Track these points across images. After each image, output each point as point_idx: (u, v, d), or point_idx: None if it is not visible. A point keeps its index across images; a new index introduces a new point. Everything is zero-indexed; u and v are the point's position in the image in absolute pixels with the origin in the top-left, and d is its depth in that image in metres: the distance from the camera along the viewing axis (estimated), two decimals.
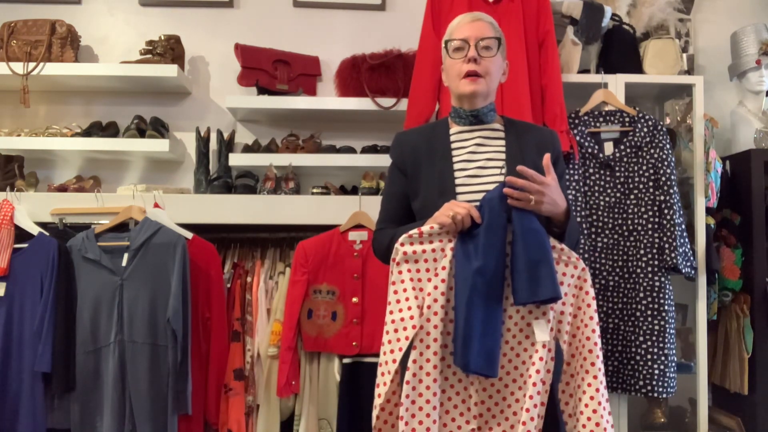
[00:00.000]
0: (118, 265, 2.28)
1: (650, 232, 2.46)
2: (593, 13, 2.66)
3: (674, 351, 2.42)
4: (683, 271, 2.43)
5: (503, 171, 1.72)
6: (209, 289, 2.36)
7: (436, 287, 1.59)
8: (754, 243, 2.66)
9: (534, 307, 1.60)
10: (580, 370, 1.63)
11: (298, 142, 2.78)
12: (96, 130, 2.73)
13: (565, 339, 1.63)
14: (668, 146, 2.50)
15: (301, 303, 2.35)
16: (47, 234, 2.36)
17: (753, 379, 2.61)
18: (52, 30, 2.69)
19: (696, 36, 3.08)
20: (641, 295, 2.44)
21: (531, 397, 1.54)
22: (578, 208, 2.49)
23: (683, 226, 2.46)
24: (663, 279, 2.43)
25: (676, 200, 2.45)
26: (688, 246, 2.46)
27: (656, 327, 2.40)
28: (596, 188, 2.52)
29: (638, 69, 2.72)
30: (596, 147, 2.54)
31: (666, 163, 2.47)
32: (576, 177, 2.52)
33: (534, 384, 1.55)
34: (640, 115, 2.55)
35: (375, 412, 1.64)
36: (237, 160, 2.70)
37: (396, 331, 1.60)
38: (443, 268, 1.60)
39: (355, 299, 2.36)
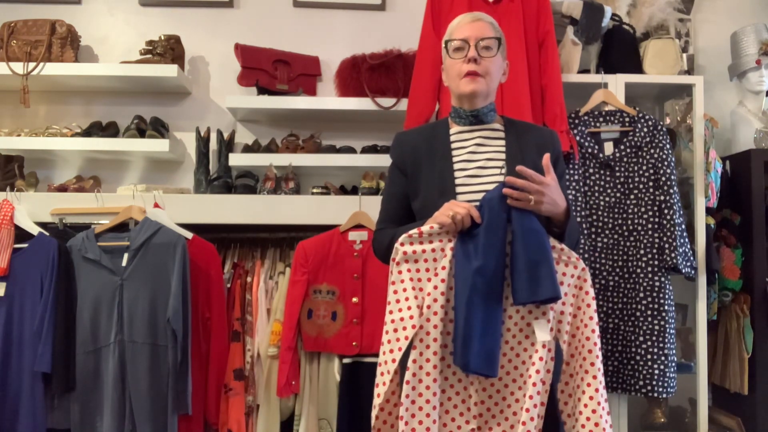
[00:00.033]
0: (118, 265, 2.28)
1: (650, 232, 2.46)
2: (593, 13, 2.66)
3: (674, 351, 2.42)
4: (683, 271, 2.43)
5: (503, 171, 1.72)
6: (209, 289, 2.36)
7: (435, 287, 1.59)
8: (754, 243, 2.66)
9: (534, 307, 1.60)
10: (580, 370, 1.63)
11: (298, 142, 2.78)
12: (96, 130, 2.73)
13: (564, 339, 1.63)
14: (668, 146, 2.50)
15: (301, 303, 2.35)
16: (47, 234, 2.36)
17: (753, 379, 2.62)
18: (52, 30, 2.69)
19: (696, 36, 3.08)
20: (641, 295, 2.44)
21: (531, 397, 1.54)
22: (578, 208, 2.49)
23: (683, 226, 2.46)
24: (663, 279, 2.43)
25: (676, 200, 2.46)
26: (688, 246, 2.46)
27: (656, 327, 2.40)
28: (596, 188, 2.52)
29: (638, 69, 2.72)
30: (596, 147, 2.54)
31: (666, 163, 2.47)
32: (576, 177, 2.52)
33: (534, 384, 1.55)
34: (640, 115, 2.55)
35: (374, 412, 1.64)
36: (237, 160, 2.70)
37: (396, 330, 1.60)
38: (443, 267, 1.60)
39: (355, 299, 2.36)
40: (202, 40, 2.96)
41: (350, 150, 2.78)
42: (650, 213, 2.47)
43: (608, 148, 2.56)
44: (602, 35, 2.76)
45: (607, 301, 2.49)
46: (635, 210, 2.49)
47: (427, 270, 1.62)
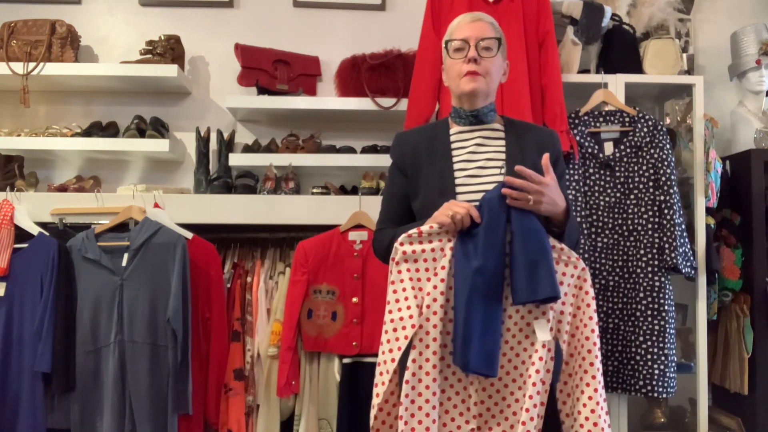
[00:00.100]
0: (118, 265, 2.28)
1: (650, 232, 2.46)
2: (593, 13, 2.66)
3: (674, 351, 2.42)
4: (683, 271, 2.43)
5: (503, 171, 1.72)
6: (209, 289, 2.36)
7: (435, 287, 1.59)
8: (754, 243, 2.66)
9: (534, 307, 1.60)
10: (579, 370, 1.63)
11: (298, 142, 2.78)
12: (96, 130, 2.73)
13: (564, 338, 1.63)
14: (668, 146, 2.50)
15: (301, 303, 2.35)
16: (47, 234, 2.36)
17: (753, 379, 2.61)
18: (52, 30, 2.69)
19: (696, 36, 3.08)
20: (641, 295, 2.44)
21: (531, 397, 1.54)
22: (578, 208, 2.49)
23: (683, 226, 2.46)
24: (663, 279, 2.43)
25: (676, 200, 2.46)
26: (688, 246, 2.46)
27: (656, 327, 2.40)
28: (596, 188, 2.52)
29: (638, 69, 2.72)
30: (596, 147, 2.54)
31: (666, 163, 2.47)
32: (576, 177, 2.52)
33: (534, 384, 1.55)
34: (640, 115, 2.55)
35: (373, 412, 1.64)
36: (237, 160, 2.70)
37: (395, 330, 1.60)
38: (443, 267, 1.60)
39: (355, 299, 2.36)
40: (202, 40, 2.96)
41: (350, 150, 2.78)
42: (650, 213, 2.47)
43: (608, 148, 2.56)
44: (602, 35, 2.76)
45: (607, 301, 2.49)
46: (635, 210, 2.49)
47: (427, 270, 1.62)
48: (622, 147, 2.53)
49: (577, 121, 2.57)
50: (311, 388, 2.39)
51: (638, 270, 2.46)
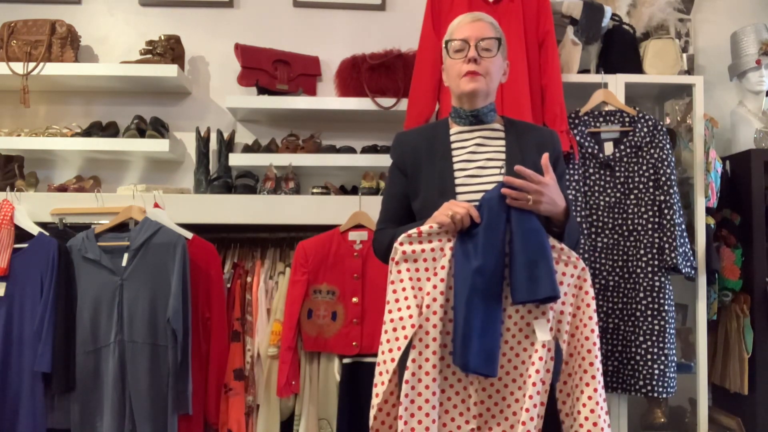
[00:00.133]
0: (118, 265, 2.28)
1: (650, 232, 2.46)
2: (593, 13, 2.66)
3: (674, 351, 2.42)
4: (683, 271, 2.43)
5: (502, 171, 1.72)
6: (209, 289, 2.36)
7: (435, 286, 1.59)
8: (754, 243, 2.66)
9: (534, 307, 1.60)
10: (578, 370, 1.63)
11: (298, 142, 2.78)
12: (96, 130, 2.73)
13: (564, 338, 1.63)
14: (668, 146, 2.50)
15: (301, 303, 2.35)
16: (47, 234, 2.36)
17: (753, 379, 2.61)
18: (52, 30, 2.69)
19: (696, 36, 3.08)
20: (641, 295, 2.44)
21: (531, 397, 1.54)
22: (578, 208, 2.49)
23: (683, 226, 2.46)
24: (663, 279, 2.43)
25: (676, 200, 2.45)
26: (688, 246, 2.46)
27: (656, 327, 2.40)
28: (596, 188, 2.52)
29: (638, 69, 2.72)
30: (596, 147, 2.54)
31: (666, 163, 2.47)
32: (576, 177, 2.52)
33: (534, 384, 1.55)
34: (640, 115, 2.55)
35: (372, 412, 1.64)
36: (237, 160, 2.70)
37: (395, 330, 1.60)
38: (442, 267, 1.60)
39: (355, 299, 2.36)
40: (202, 40, 2.96)
41: (350, 150, 2.78)
42: (650, 213, 2.47)
43: (608, 148, 2.56)
44: (602, 35, 2.76)
45: (607, 301, 2.49)
46: (635, 210, 2.49)
47: (427, 269, 1.62)
48: (622, 147, 2.53)
49: (577, 121, 2.57)
50: (311, 388, 2.39)
51: (638, 270, 2.46)
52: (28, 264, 2.29)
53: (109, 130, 2.76)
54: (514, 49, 2.36)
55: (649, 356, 2.39)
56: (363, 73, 2.72)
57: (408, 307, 1.59)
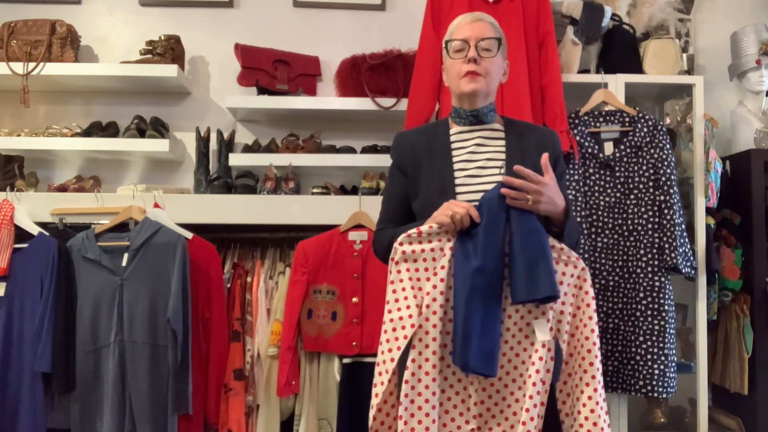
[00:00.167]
0: (118, 265, 2.28)
1: (650, 232, 2.46)
2: (593, 13, 2.66)
3: (674, 351, 2.42)
4: (683, 271, 2.43)
5: (502, 171, 1.72)
6: (209, 289, 2.36)
7: (435, 286, 1.59)
8: (754, 243, 2.66)
9: (533, 307, 1.60)
10: (578, 370, 1.63)
11: (298, 142, 2.78)
12: (96, 130, 2.73)
13: (564, 338, 1.63)
14: (668, 146, 2.50)
15: (301, 303, 2.35)
16: (47, 234, 2.36)
17: (753, 379, 2.61)
18: (52, 30, 2.69)
19: (696, 36, 3.08)
20: (641, 295, 2.44)
21: (531, 397, 1.54)
22: (578, 208, 2.49)
23: (683, 226, 2.46)
24: (663, 279, 2.43)
25: (676, 200, 2.45)
26: (688, 246, 2.46)
27: (656, 327, 2.40)
28: (596, 188, 2.52)
29: (638, 69, 2.72)
30: (596, 147, 2.54)
31: (666, 163, 2.47)
32: (576, 177, 2.52)
33: (534, 384, 1.55)
34: (640, 115, 2.55)
35: (372, 412, 1.64)
36: (237, 160, 2.70)
37: (394, 330, 1.60)
38: (442, 267, 1.60)
39: (355, 299, 2.36)
40: (202, 40, 2.96)
41: (350, 150, 2.78)
42: (650, 213, 2.47)
43: (608, 148, 2.56)
44: (602, 35, 2.76)
45: (607, 301, 2.49)
46: (635, 210, 2.49)
47: (426, 269, 1.62)
48: (622, 147, 2.53)
49: (577, 121, 2.57)
50: (311, 388, 2.39)
51: (638, 270, 2.46)
52: (28, 264, 2.29)
53: (109, 130, 2.76)
54: (514, 49, 2.36)
55: (649, 356, 2.39)
56: (363, 73, 2.72)
57: (408, 307, 1.59)
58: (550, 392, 1.60)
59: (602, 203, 2.51)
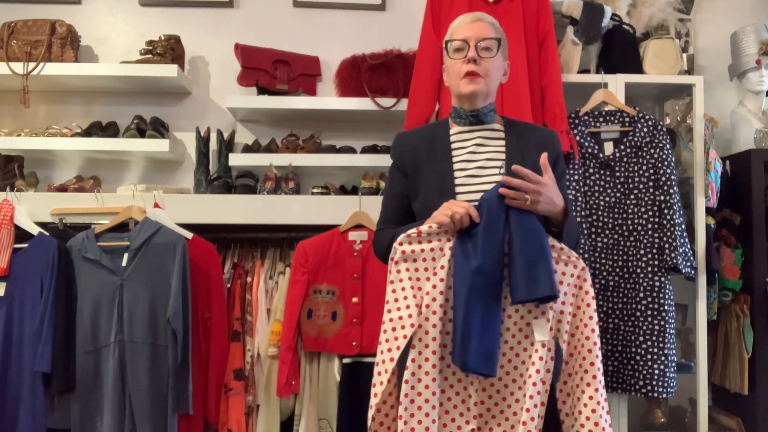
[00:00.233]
0: (118, 265, 2.28)
1: (650, 232, 2.46)
2: (593, 13, 2.66)
3: (674, 351, 2.42)
4: (683, 271, 2.43)
5: (502, 171, 1.72)
6: (209, 289, 2.36)
7: (434, 286, 1.59)
8: (754, 243, 2.66)
9: (533, 307, 1.60)
10: (579, 370, 1.63)
11: (298, 142, 2.78)
12: (96, 130, 2.73)
13: (564, 338, 1.63)
14: (668, 146, 2.50)
15: (301, 303, 2.35)
16: (47, 234, 2.36)
17: (753, 379, 2.61)
18: (52, 30, 2.69)
19: (696, 36, 3.08)
20: (641, 295, 2.44)
21: (531, 397, 1.54)
22: (578, 208, 2.49)
23: (683, 226, 2.46)
24: (663, 279, 2.43)
25: (676, 200, 2.45)
26: (688, 246, 2.46)
27: (656, 327, 2.40)
28: (596, 188, 2.52)
29: (638, 69, 2.72)
30: (596, 147, 2.54)
31: (666, 163, 2.47)
32: (576, 177, 2.52)
33: (534, 384, 1.55)
34: (640, 115, 2.55)
35: (371, 413, 1.64)
36: (237, 160, 2.70)
37: (394, 329, 1.60)
38: (442, 267, 1.60)
39: (355, 299, 2.36)
40: (202, 40, 2.96)
41: (350, 150, 2.78)
42: (650, 213, 2.47)
43: (608, 148, 2.56)
44: (602, 35, 2.76)
45: (607, 301, 2.49)
46: (635, 210, 2.49)
47: (426, 269, 1.62)
48: (622, 147, 2.53)
49: (577, 121, 2.57)
50: (311, 388, 2.39)
51: (638, 270, 2.46)
52: (28, 264, 2.29)
53: (109, 130, 2.76)
54: (514, 49, 2.36)
55: (649, 356, 2.39)
56: (363, 73, 2.72)
57: (407, 307, 1.59)
58: (550, 392, 1.60)
59: (602, 203, 2.51)
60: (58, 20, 2.71)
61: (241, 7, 3.00)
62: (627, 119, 2.56)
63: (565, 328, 1.63)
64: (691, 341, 2.69)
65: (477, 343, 1.52)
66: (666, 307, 2.41)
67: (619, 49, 2.74)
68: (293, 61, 2.81)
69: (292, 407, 2.39)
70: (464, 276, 1.56)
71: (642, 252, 2.46)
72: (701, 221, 2.61)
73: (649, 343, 2.40)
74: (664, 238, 2.43)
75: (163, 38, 2.76)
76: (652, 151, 2.50)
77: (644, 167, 2.50)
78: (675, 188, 2.47)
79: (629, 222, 2.49)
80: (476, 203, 1.61)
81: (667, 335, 2.39)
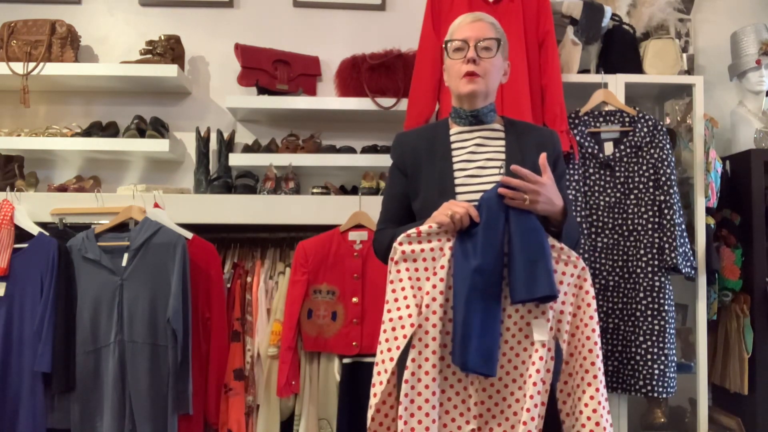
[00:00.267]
0: (118, 265, 2.28)
1: (650, 232, 2.46)
2: (593, 13, 2.66)
3: (674, 351, 2.42)
4: (683, 271, 2.43)
5: (502, 171, 1.72)
6: (209, 289, 2.36)
7: (434, 286, 1.59)
8: (754, 243, 2.66)
9: (533, 307, 1.60)
10: (580, 370, 1.63)
11: (298, 142, 2.78)
12: (96, 130, 2.73)
13: (564, 338, 1.63)
14: (668, 146, 2.50)
15: (301, 303, 2.35)
16: (47, 234, 2.36)
17: (753, 379, 2.61)
18: (52, 30, 2.69)
19: (696, 36, 3.08)
20: (641, 295, 2.44)
21: (531, 397, 1.54)
22: (578, 208, 2.49)
23: (683, 226, 2.46)
24: (663, 279, 2.43)
25: (676, 200, 2.45)
26: (688, 246, 2.46)
27: (656, 327, 2.40)
28: (596, 188, 2.52)
29: (638, 69, 2.72)
30: (596, 147, 2.54)
31: (666, 163, 2.47)
32: (576, 177, 2.52)
33: (534, 384, 1.55)
34: (640, 115, 2.55)
35: (370, 413, 1.64)
36: (237, 160, 2.70)
37: (394, 329, 1.60)
38: (442, 267, 1.60)
39: (355, 299, 2.36)
40: (202, 40, 2.96)
41: (350, 150, 2.78)
42: (650, 213, 2.47)
43: (608, 148, 2.56)
44: (602, 35, 2.76)
45: (607, 301, 2.49)
46: (635, 210, 2.49)
47: (426, 269, 1.62)
48: (622, 147, 2.53)
49: (577, 121, 2.57)
50: (311, 388, 2.39)
51: (638, 270, 2.46)
52: (28, 264, 2.29)
53: (109, 130, 2.76)
54: (514, 49, 2.36)
55: (649, 356, 2.39)
56: (363, 73, 2.72)
57: (407, 307, 1.59)
58: (550, 392, 1.60)
59: (602, 203, 2.51)
60: (58, 20, 2.71)
61: (241, 7, 3.00)
62: (627, 119, 2.56)
63: (565, 328, 1.63)
64: (691, 341, 2.69)
65: (477, 342, 1.52)
66: (666, 307, 2.41)
67: (619, 49, 2.74)
68: (293, 61, 2.81)
69: (292, 407, 2.39)
70: (464, 276, 1.56)
71: (642, 252, 2.46)
72: (701, 221, 2.61)
73: (649, 343, 2.40)
74: (664, 238, 2.43)
75: (163, 38, 2.76)
76: (652, 151, 2.50)
77: (644, 167, 2.50)
78: (675, 188, 2.47)
79: (629, 222, 2.49)
80: (476, 203, 1.61)
81: (667, 335, 2.39)
